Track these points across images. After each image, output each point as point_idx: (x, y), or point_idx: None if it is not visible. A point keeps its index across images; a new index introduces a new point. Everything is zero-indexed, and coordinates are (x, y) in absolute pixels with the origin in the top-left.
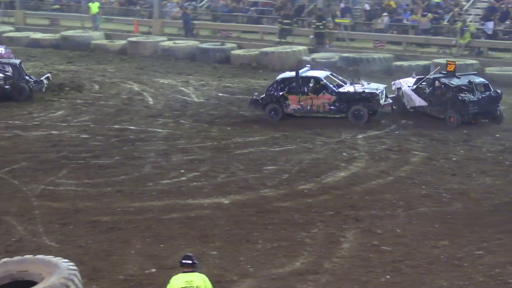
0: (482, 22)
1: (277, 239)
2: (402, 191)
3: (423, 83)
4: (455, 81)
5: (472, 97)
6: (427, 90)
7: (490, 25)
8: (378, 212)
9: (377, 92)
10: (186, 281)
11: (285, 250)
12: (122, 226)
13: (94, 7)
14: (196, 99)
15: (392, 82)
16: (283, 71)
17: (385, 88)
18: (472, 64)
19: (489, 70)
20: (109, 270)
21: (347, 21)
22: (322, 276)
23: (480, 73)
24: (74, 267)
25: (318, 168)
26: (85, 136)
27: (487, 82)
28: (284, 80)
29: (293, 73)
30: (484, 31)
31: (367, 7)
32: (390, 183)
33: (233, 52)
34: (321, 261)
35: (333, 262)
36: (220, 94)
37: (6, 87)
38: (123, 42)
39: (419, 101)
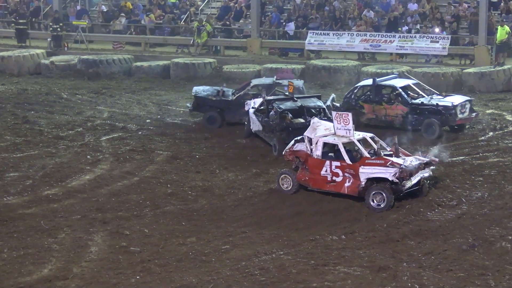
0: (284, 23)
1: (23, 247)
2: (148, 191)
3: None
4: (285, 105)
5: (300, 124)
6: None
7: (291, 26)
8: (125, 213)
9: (452, 105)
10: None
11: (32, 257)
12: None
13: None
14: None
15: (246, 102)
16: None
17: (469, 101)
18: (210, 62)
19: (226, 68)
20: None
21: (85, 23)
22: (71, 281)
23: (218, 71)
24: None
25: (62, 173)
26: None
27: (323, 106)
28: (362, 87)
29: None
30: (221, 29)
31: (104, 8)
32: (136, 184)
33: None
34: (70, 266)
35: (82, 267)
36: None
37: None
38: None
39: (258, 125)
